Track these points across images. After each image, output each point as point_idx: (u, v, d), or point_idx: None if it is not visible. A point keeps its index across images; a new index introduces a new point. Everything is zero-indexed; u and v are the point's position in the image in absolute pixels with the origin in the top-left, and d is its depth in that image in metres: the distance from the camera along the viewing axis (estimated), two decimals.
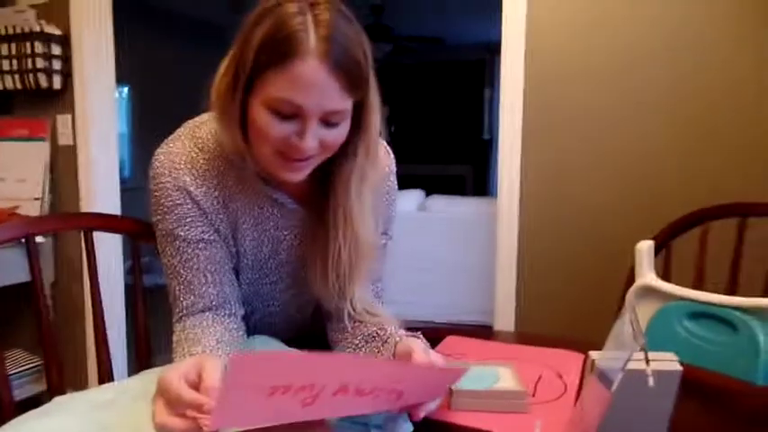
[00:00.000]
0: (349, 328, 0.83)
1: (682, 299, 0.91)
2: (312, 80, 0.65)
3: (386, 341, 0.77)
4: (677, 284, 0.94)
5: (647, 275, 0.96)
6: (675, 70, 1.63)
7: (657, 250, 1.07)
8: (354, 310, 0.82)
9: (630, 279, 1.02)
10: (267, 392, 0.47)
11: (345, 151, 0.76)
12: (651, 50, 1.65)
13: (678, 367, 0.58)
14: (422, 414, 0.63)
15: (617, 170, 1.71)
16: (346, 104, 0.70)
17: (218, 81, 0.73)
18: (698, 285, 1.25)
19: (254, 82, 0.68)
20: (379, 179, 0.83)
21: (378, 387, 0.55)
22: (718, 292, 0.89)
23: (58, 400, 0.69)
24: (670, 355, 0.60)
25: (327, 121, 0.69)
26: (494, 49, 4.75)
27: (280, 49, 0.65)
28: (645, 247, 0.98)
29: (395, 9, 4.77)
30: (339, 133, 0.72)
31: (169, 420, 0.54)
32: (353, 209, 0.78)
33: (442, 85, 6.55)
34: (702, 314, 0.89)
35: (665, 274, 1.24)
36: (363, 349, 0.80)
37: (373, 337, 0.79)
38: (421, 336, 0.78)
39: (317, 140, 0.70)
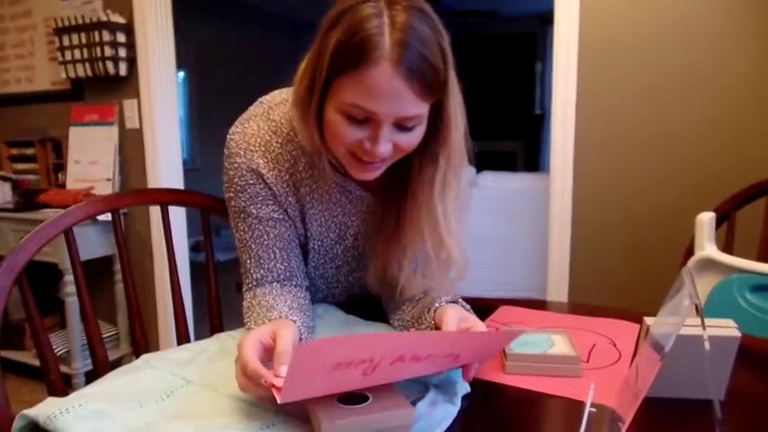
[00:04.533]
0: (399, 304, 0.85)
1: (744, 271, 0.89)
2: (385, 87, 0.64)
3: (429, 309, 0.79)
4: (742, 257, 0.92)
5: (708, 247, 0.94)
6: (735, 40, 1.55)
7: (719, 222, 1.04)
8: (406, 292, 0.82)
9: (690, 251, 1.00)
10: (331, 368, 0.52)
11: (424, 153, 0.75)
12: (708, 22, 1.57)
13: (737, 333, 0.58)
14: (472, 374, 0.65)
15: (673, 143, 1.65)
16: (421, 110, 0.68)
17: (298, 83, 0.73)
18: (762, 257, 1.21)
19: (329, 86, 0.68)
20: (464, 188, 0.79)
21: (434, 353, 0.58)
22: None
23: (145, 356, 0.76)
24: (728, 322, 0.60)
25: (402, 125, 0.68)
26: (546, 19, 4.60)
27: (353, 55, 0.63)
28: (705, 219, 0.96)
29: None
30: (414, 136, 0.71)
31: (248, 384, 0.60)
32: (437, 213, 0.76)
33: (492, 59, 6.39)
34: (765, 287, 0.87)
35: (728, 246, 1.20)
36: (410, 314, 0.81)
37: (419, 302, 0.81)
38: (460, 302, 0.79)
39: (389, 145, 0.69)
